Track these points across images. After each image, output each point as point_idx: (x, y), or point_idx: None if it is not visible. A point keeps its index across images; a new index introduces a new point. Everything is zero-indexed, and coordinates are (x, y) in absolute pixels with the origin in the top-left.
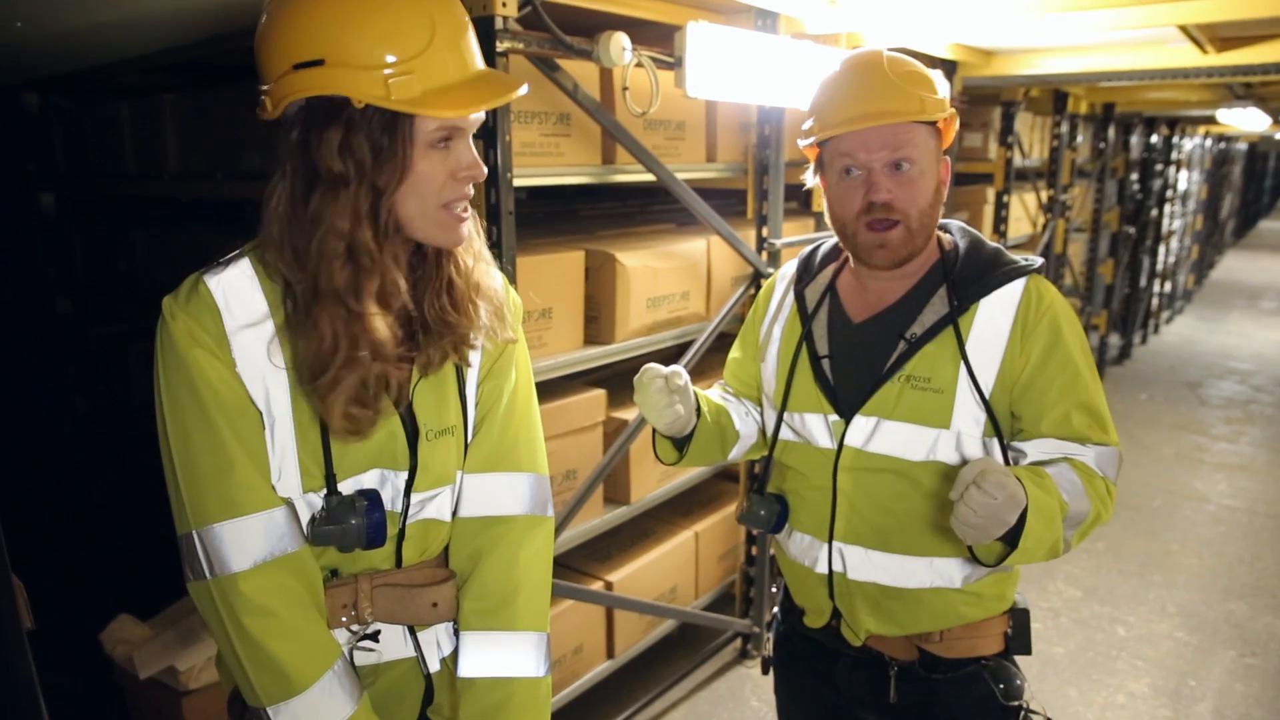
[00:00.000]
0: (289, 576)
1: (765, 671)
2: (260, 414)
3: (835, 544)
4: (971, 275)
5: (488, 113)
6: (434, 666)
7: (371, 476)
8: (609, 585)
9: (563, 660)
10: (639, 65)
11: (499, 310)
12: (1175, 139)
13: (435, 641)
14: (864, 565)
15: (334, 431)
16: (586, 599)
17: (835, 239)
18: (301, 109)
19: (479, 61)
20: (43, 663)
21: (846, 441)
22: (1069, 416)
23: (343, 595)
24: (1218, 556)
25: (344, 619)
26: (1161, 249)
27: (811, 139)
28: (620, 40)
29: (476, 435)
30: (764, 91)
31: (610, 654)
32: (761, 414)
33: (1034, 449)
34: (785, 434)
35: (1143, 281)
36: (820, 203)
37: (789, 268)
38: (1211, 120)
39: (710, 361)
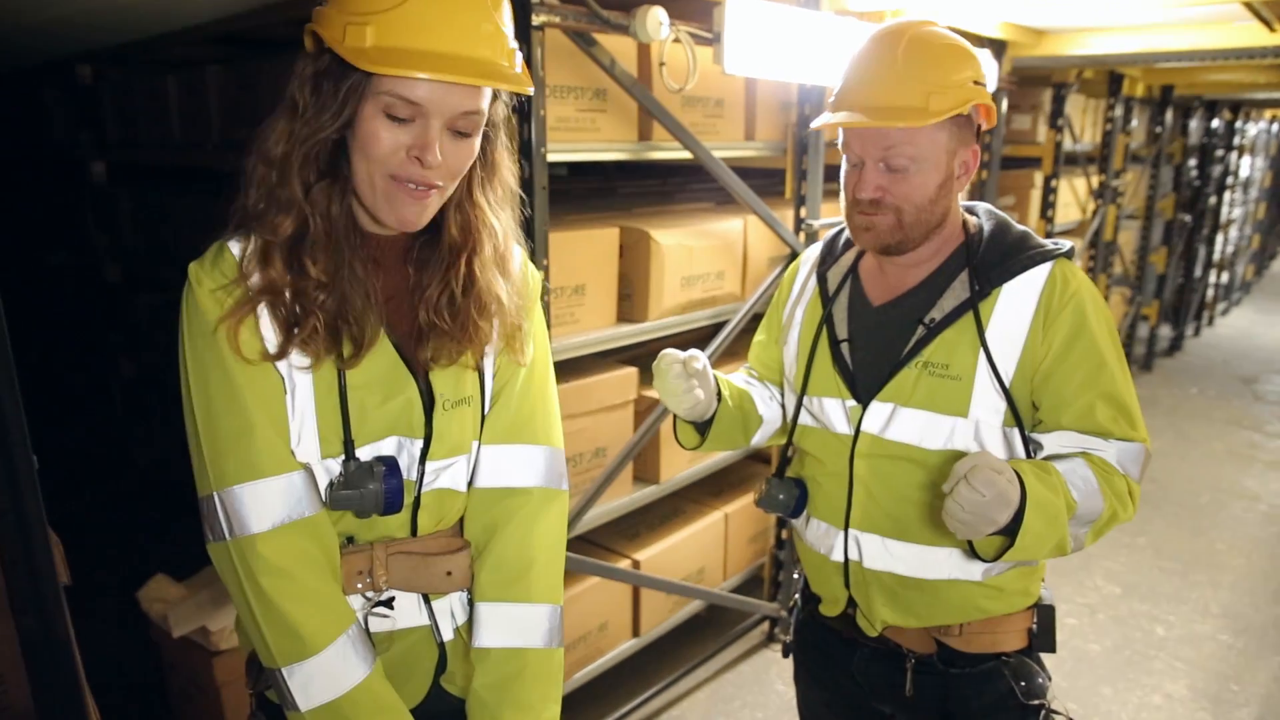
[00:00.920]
0: (306, 540)
1: (786, 655)
2: (282, 379)
3: (851, 532)
4: (995, 259)
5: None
6: (447, 635)
7: (389, 444)
8: (636, 563)
9: (587, 636)
10: (676, 41)
11: (513, 332)
12: (1238, 123)
13: (449, 611)
14: (880, 554)
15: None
16: (612, 576)
17: None
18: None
19: (486, 47)
20: (88, 617)
21: (863, 428)
22: (1092, 408)
23: (358, 562)
24: (1269, 558)
25: (359, 585)
26: (1219, 238)
27: (818, 122)
28: (657, 15)
29: (493, 407)
30: (805, 69)
31: (636, 632)
32: (784, 398)
33: (1052, 442)
34: (804, 419)
35: (1198, 271)
36: None
37: (813, 250)
38: (1279, 104)
39: (744, 342)
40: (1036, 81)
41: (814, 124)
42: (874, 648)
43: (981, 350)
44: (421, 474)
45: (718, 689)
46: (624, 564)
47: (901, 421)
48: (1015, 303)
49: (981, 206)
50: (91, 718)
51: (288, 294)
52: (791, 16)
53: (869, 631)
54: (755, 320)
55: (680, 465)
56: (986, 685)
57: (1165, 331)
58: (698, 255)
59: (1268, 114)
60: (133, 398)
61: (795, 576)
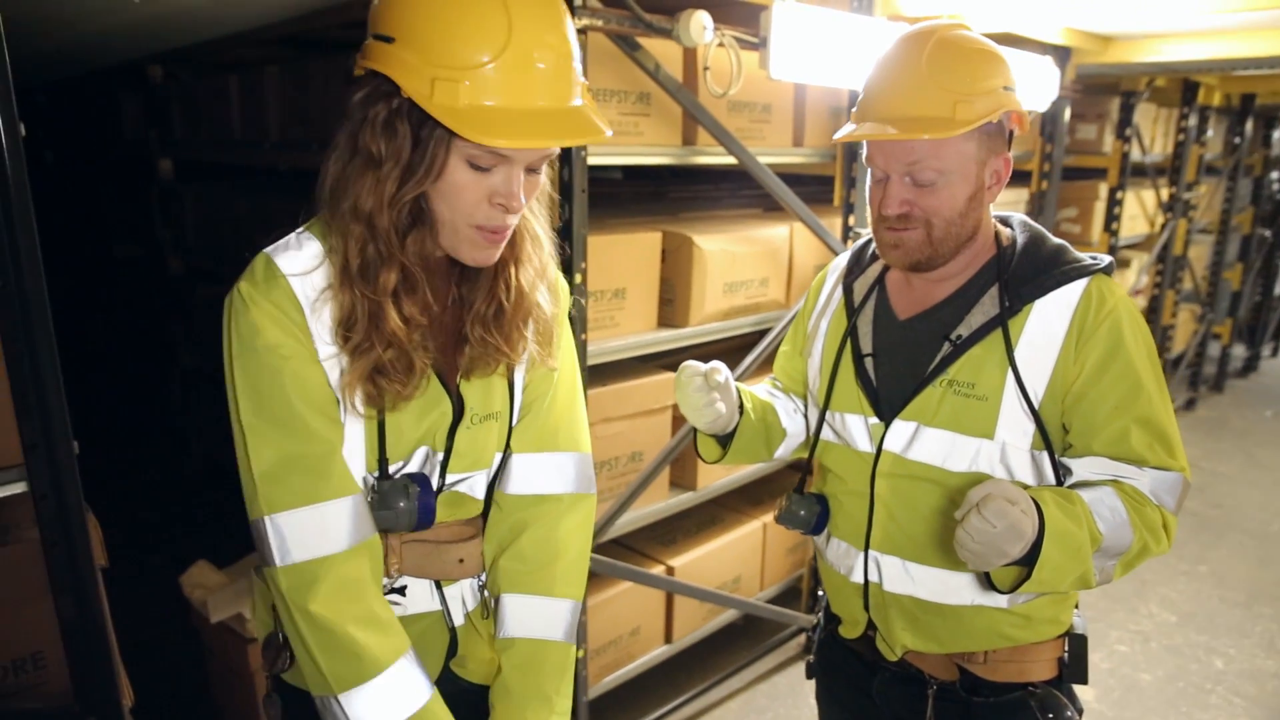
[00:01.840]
0: (367, 562)
1: (809, 676)
2: (337, 399)
3: (871, 553)
4: (1027, 274)
5: None
6: (458, 620)
7: (419, 454)
8: (670, 570)
9: (619, 641)
10: (721, 45)
11: (548, 335)
12: None
13: (461, 596)
14: (900, 577)
15: (350, 397)
16: (645, 582)
17: None
18: (369, 78)
19: (567, 96)
20: (137, 600)
21: (885, 446)
22: (1126, 434)
23: None
24: None
25: None
26: None
27: (840, 135)
28: (701, 19)
29: (524, 418)
30: (854, 75)
31: (669, 638)
32: (808, 410)
33: (1082, 468)
34: (826, 434)
35: (1277, 289)
36: None
37: (841, 259)
38: None
39: None
40: (1103, 90)
41: (835, 137)
42: (895, 671)
43: (1010, 370)
44: (442, 484)
45: (750, 700)
46: (658, 569)
47: (925, 441)
48: (1047, 320)
49: (1016, 218)
50: (125, 695)
51: (392, 352)
52: (840, 22)
53: (889, 655)
54: None
55: (717, 473)
56: (1011, 716)
57: (1239, 351)
58: (741, 261)
59: None
60: (191, 386)
61: (820, 594)
